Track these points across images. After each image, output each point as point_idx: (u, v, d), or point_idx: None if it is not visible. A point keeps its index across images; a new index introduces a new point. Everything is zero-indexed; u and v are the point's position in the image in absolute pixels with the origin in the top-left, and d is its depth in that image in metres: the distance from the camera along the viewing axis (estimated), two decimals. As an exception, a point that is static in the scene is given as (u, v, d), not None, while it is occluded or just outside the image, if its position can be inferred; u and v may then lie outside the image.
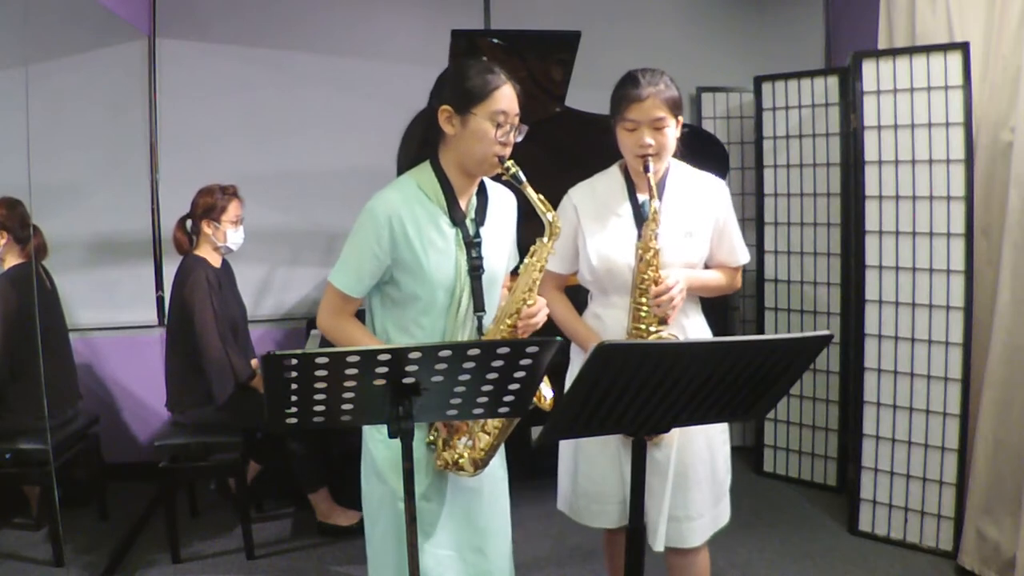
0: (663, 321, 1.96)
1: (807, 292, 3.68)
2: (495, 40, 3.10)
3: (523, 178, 1.75)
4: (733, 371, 1.43)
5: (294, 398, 1.40)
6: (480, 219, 1.85)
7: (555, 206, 2.15)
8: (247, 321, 3.37)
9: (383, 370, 1.38)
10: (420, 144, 1.85)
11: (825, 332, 1.46)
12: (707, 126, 4.11)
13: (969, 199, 2.84)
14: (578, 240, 2.09)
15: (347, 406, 1.44)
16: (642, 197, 2.01)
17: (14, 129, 2.76)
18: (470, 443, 1.80)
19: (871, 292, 3.09)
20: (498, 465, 1.94)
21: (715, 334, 2.19)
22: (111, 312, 3.75)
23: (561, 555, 3.06)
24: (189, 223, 3.18)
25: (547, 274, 2.15)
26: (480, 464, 1.81)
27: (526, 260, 1.81)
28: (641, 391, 1.41)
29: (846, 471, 3.50)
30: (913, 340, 2.99)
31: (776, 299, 3.79)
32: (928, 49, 2.91)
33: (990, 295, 2.80)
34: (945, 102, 2.87)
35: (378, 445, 1.84)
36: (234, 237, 3.17)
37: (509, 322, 1.78)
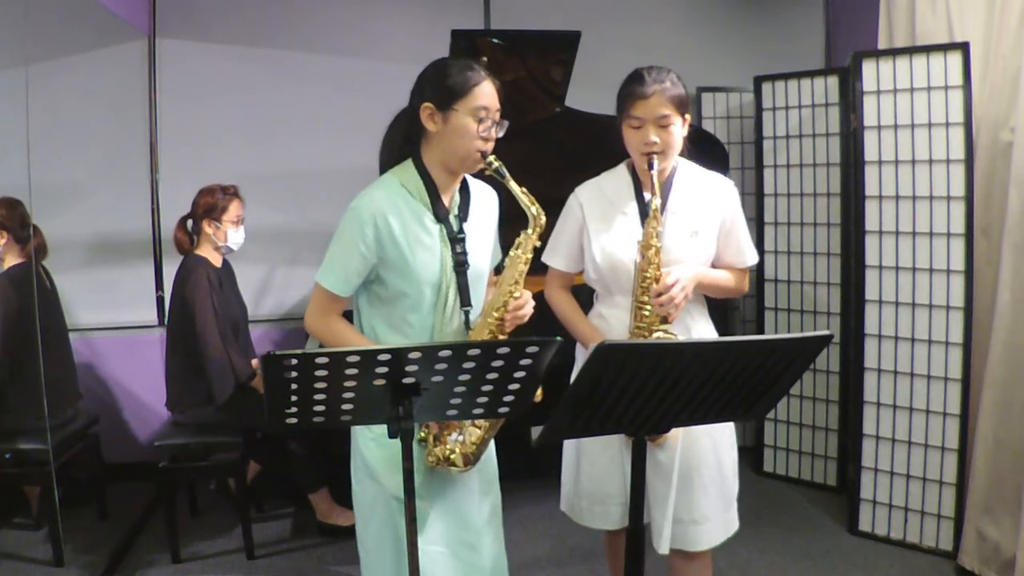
0: (665, 320, 1.96)
1: (807, 292, 3.68)
2: (495, 40, 3.09)
3: (506, 172, 1.77)
4: (733, 371, 1.43)
5: (294, 398, 1.40)
6: (464, 215, 1.86)
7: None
8: (248, 321, 3.38)
9: (383, 370, 1.38)
10: (402, 143, 1.87)
11: (825, 332, 1.46)
12: (707, 126, 4.11)
13: (969, 199, 2.84)
14: (583, 238, 2.09)
15: (347, 406, 1.45)
16: (648, 196, 2.01)
17: (14, 129, 2.76)
18: (461, 438, 1.81)
19: (871, 292, 3.09)
20: (489, 461, 1.96)
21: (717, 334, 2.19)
22: (111, 312, 3.75)
23: (561, 555, 3.06)
24: (190, 223, 3.18)
25: (553, 273, 2.16)
26: (471, 459, 1.82)
27: (511, 253, 1.82)
28: (641, 391, 1.41)
29: (846, 471, 3.50)
30: (913, 340, 2.99)
31: (776, 299, 3.79)
32: (928, 49, 2.91)
33: (990, 295, 2.80)
34: (945, 102, 2.87)
35: (369, 444, 1.85)
36: (235, 237, 3.17)
37: (496, 315, 1.79)
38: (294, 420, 1.45)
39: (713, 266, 2.10)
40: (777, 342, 1.49)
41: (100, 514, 3.35)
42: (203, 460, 3.05)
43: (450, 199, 1.86)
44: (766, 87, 3.72)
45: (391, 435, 1.45)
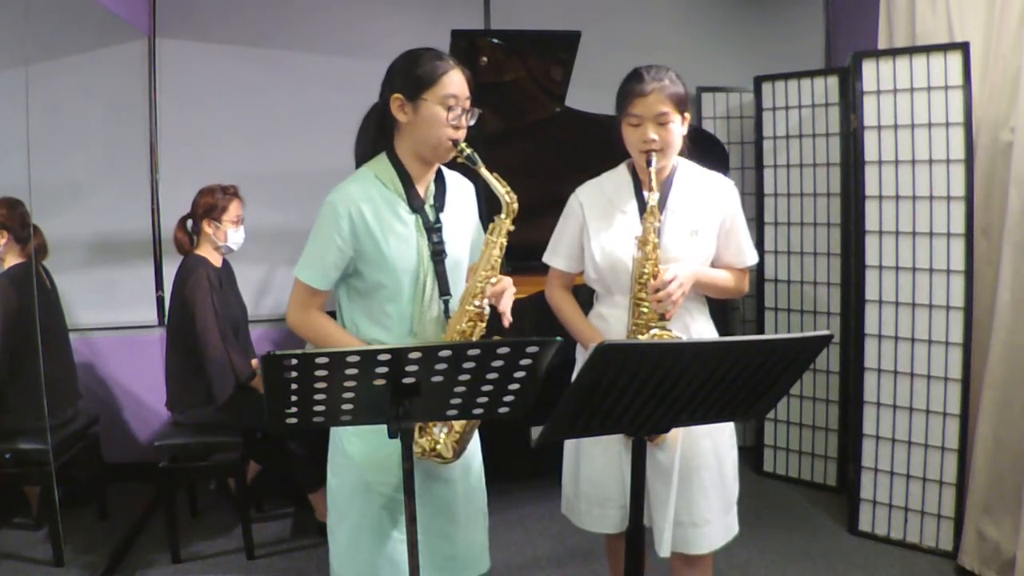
0: (663, 317, 1.95)
1: (807, 292, 3.68)
2: (495, 40, 3.10)
3: (477, 159, 1.79)
4: (733, 371, 1.43)
5: (294, 398, 1.40)
6: (439, 205, 1.88)
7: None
8: (248, 321, 3.38)
9: (383, 370, 1.38)
10: (376, 136, 1.88)
11: (825, 332, 1.47)
12: (707, 126, 4.11)
13: (969, 199, 2.84)
14: (583, 237, 2.09)
15: (347, 406, 1.45)
16: (647, 193, 2.01)
17: (14, 129, 2.75)
18: (446, 428, 1.82)
19: (871, 292, 3.09)
20: (473, 456, 1.96)
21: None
22: (111, 312, 3.75)
23: (561, 555, 3.06)
24: (190, 223, 3.18)
25: (554, 273, 2.17)
26: (458, 450, 1.83)
27: (485, 237, 1.84)
28: (641, 391, 1.41)
29: (846, 471, 3.50)
30: (913, 340, 2.99)
31: (776, 299, 3.79)
32: (928, 49, 2.91)
33: (990, 295, 2.80)
34: (945, 102, 2.87)
35: (352, 439, 1.86)
36: (235, 237, 3.17)
37: (476, 303, 1.80)
38: (294, 420, 1.45)
39: (713, 266, 2.10)
40: (777, 342, 1.49)
41: (100, 514, 3.35)
42: (203, 460, 3.05)
43: (425, 189, 1.87)
44: (766, 87, 3.72)
45: (391, 435, 1.45)
